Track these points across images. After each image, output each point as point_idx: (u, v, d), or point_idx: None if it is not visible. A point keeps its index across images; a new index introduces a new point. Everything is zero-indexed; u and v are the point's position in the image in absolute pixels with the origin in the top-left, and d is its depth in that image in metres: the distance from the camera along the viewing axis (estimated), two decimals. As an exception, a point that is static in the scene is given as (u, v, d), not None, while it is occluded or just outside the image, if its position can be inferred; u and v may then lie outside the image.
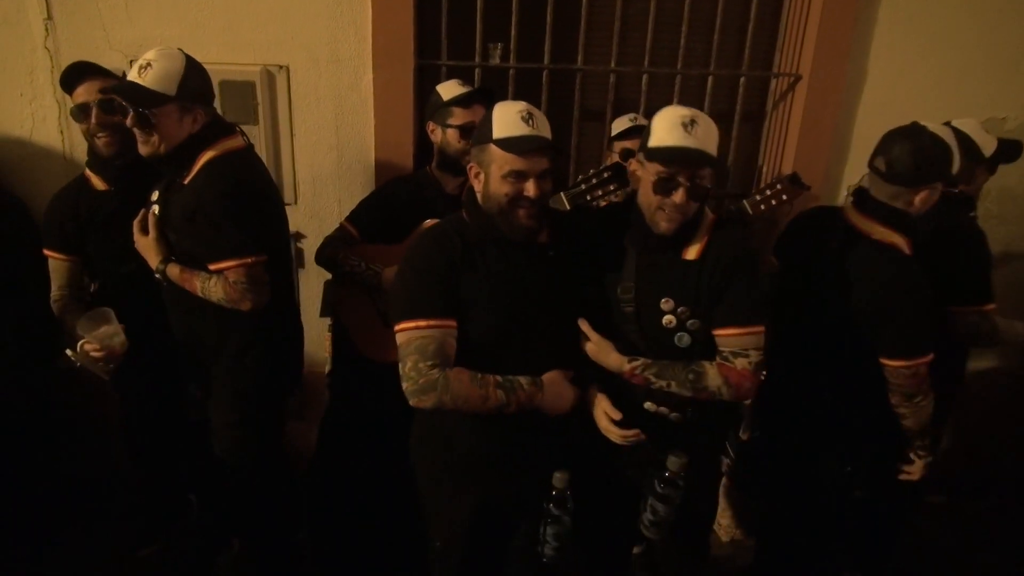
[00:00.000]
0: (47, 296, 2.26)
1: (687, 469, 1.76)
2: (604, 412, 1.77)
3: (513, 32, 2.58)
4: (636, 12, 2.67)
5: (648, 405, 1.79)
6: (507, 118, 1.63)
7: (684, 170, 1.63)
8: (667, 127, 1.64)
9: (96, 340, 1.99)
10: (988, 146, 2.15)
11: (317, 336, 2.82)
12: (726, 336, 1.72)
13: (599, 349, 1.76)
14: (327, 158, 2.70)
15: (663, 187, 1.65)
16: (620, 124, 2.47)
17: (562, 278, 1.76)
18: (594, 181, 2.04)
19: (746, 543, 2.82)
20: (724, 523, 2.92)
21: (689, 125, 1.62)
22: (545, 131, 1.66)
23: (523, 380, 1.68)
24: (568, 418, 1.77)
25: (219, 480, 2.29)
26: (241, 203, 1.94)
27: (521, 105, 1.66)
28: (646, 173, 1.69)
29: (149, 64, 1.87)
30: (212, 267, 1.96)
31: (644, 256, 1.76)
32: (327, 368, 2.67)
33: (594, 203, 2.06)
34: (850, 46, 2.64)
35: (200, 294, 1.98)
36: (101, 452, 2.88)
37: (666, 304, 1.73)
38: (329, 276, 2.43)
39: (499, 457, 1.82)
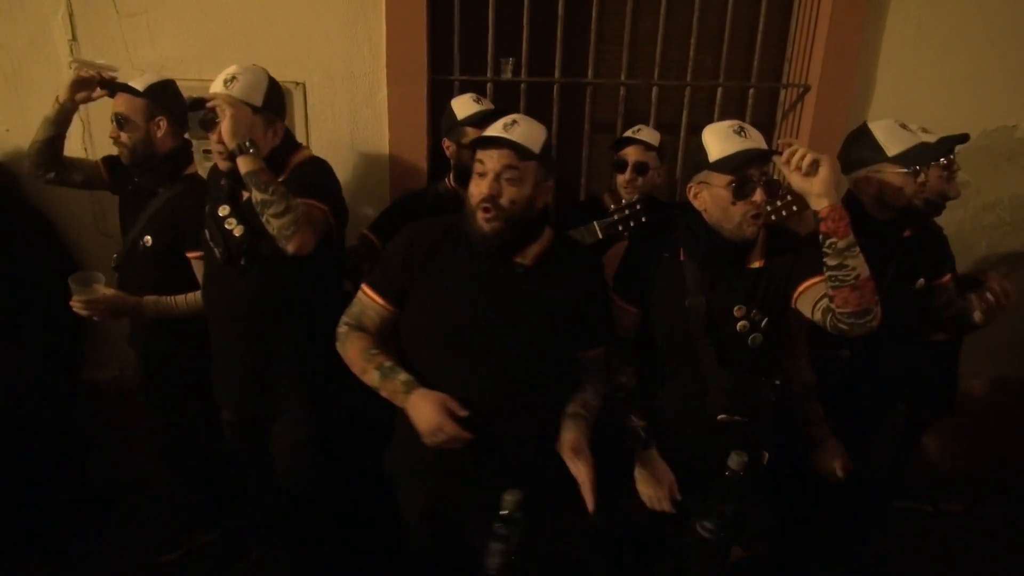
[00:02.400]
0: (73, 313, 2.32)
1: (747, 467, 1.79)
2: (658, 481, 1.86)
3: (524, 47, 2.63)
4: (646, 26, 2.71)
5: (722, 417, 1.85)
6: (494, 127, 1.69)
7: (756, 168, 1.71)
8: (721, 139, 1.74)
9: (78, 297, 2.12)
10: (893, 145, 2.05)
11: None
12: (815, 283, 1.76)
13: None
14: (342, 172, 2.71)
15: (741, 191, 1.71)
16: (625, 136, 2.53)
17: (535, 302, 1.70)
18: (627, 212, 2.10)
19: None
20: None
21: (740, 131, 1.73)
22: (522, 138, 1.64)
23: (402, 377, 1.70)
24: (523, 440, 1.75)
25: (256, 493, 2.33)
26: (331, 180, 2.07)
27: (511, 116, 1.70)
28: (715, 189, 1.75)
29: (234, 77, 1.92)
30: None
31: (710, 271, 1.83)
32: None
33: (625, 233, 2.11)
34: (858, 56, 2.66)
35: (268, 194, 1.83)
36: (123, 459, 2.95)
37: (739, 311, 1.81)
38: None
39: (446, 465, 1.78)
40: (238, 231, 1.97)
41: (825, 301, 1.70)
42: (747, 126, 1.76)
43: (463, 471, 1.78)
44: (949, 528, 3.06)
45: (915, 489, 3.08)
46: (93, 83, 2.20)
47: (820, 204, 1.63)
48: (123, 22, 2.54)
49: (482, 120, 2.25)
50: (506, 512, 1.65)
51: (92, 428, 2.96)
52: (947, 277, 2.21)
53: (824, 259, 1.65)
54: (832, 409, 2.12)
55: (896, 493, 2.68)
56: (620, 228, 2.11)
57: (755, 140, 1.73)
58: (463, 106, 2.32)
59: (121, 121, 2.20)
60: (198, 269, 2.21)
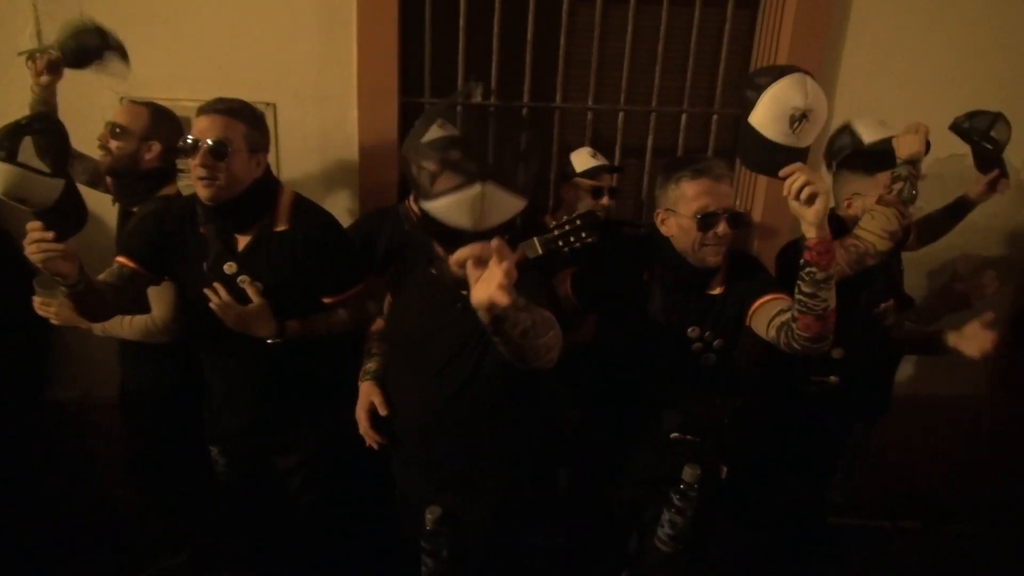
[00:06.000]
0: (37, 331, 2.29)
1: (700, 480, 1.86)
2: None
3: (494, 71, 2.68)
4: (613, 52, 2.77)
5: (675, 436, 1.91)
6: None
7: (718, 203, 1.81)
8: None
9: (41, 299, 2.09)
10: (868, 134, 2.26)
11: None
12: (768, 300, 1.82)
13: None
14: (313, 193, 2.68)
15: (705, 223, 1.79)
16: (582, 160, 2.46)
17: (471, 326, 1.65)
18: (567, 228, 2.06)
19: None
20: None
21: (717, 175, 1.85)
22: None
23: (368, 366, 1.92)
24: (460, 455, 1.80)
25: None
26: (347, 238, 2.15)
27: None
28: (681, 219, 1.82)
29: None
30: (332, 299, 2.02)
31: (672, 294, 1.89)
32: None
33: (565, 249, 2.09)
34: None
35: (328, 332, 2.03)
36: (86, 480, 2.90)
37: (692, 332, 1.88)
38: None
39: (403, 469, 1.94)
40: (254, 292, 1.90)
41: (781, 318, 1.72)
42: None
43: (413, 478, 1.91)
44: (907, 545, 3.11)
45: (873, 507, 3.14)
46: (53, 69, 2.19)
47: (810, 233, 1.61)
48: (94, 41, 2.54)
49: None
50: (428, 528, 1.77)
51: (55, 448, 2.91)
52: (891, 301, 2.27)
53: (799, 283, 1.64)
54: (804, 436, 2.22)
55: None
56: (560, 244, 2.08)
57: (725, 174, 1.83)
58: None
59: (117, 131, 2.18)
60: (161, 291, 2.15)
